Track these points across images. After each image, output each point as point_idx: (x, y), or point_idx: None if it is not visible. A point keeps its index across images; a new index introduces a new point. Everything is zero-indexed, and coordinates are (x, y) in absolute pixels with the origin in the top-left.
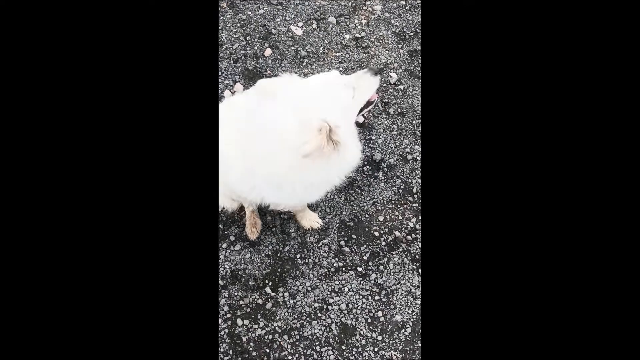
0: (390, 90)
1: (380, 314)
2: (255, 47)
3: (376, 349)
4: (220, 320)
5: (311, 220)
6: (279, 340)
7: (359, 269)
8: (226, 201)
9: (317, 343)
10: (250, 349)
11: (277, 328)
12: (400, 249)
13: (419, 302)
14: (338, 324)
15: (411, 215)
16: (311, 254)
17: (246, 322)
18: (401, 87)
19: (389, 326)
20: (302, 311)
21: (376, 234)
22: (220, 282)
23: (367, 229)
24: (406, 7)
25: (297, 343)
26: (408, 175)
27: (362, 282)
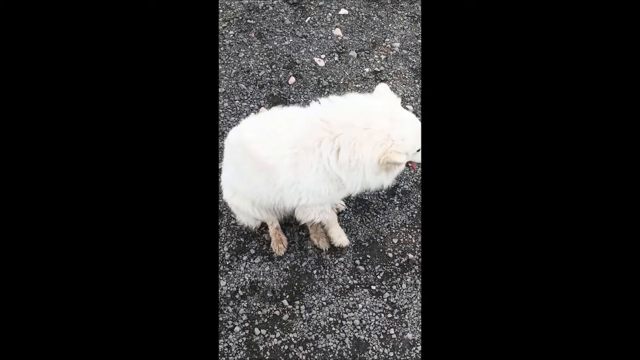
0: None
1: (392, 331)
2: (280, 75)
3: None
4: (238, 329)
5: (341, 236)
6: (294, 350)
7: (373, 287)
8: (250, 221)
9: (330, 355)
10: (267, 357)
11: (292, 339)
12: (413, 271)
13: None
14: (351, 339)
15: None
16: (327, 271)
17: (263, 331)
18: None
19: (401, 343)
20: (317, 324)
21: (390, 255)
22: (240, 292)
23: (381, 250)
24: None
25: (312, 354)
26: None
27: (375, 300)
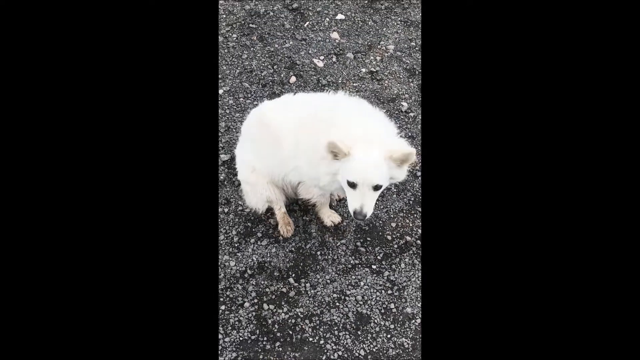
0: (402, 117)
1: (392, 306)
2: (282, 75)
3: (389, 336)
4: (248, 304)
5: (331, 216)
6: (301, 324)
7: (374, 266)
8: (259, 203)
9: (335, 328)
10: (275, 330)
11: (299, 313)
12: (411, 252)
13: None
14: (354, 313)
15: (420, 223)
16: (330, 252)
17: (271, 307)
18: (411, 114)
19: (401, 317)
20: (322, 300)
21: (389, 237)
22: (249, 272)
23: (380, 233)
24: (416, 48)
25: (318, 327)
26: (417, 189)
27: (376, 278)
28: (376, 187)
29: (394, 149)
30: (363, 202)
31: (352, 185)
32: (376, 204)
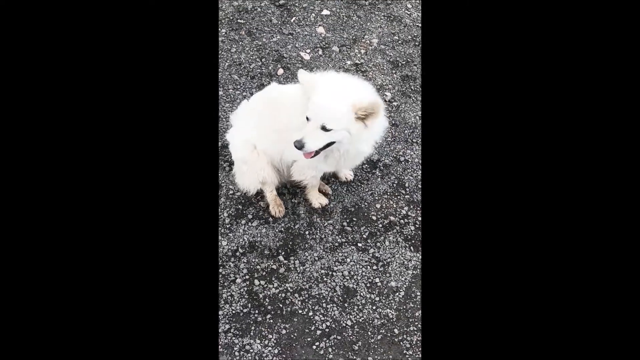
0: (386, 106)
1: (377, 280)
2: (270, 68)
3: (374, 307)
4: (240, 280)
5: (319, 198)
6: (291, 297)
7: (359, 244)
8: (252, 184)
9: (323, 301)
10: (266, 303)
11: (289, 288)
12: (395, 230)
13: (410, 272)
14: (341, 287)
15: (404, 205)
16: (318, 231)
17: (262, 282)
18: (395, 103)
19: (385, 290)
20: (311, 276)
21: (374, 217)
22: (240, 251)
23: (366, 214)
24: (399, 41)
25: (306, 300)
26: (401, 173)
27: (362, 255)
28: (324, 128)
29: (361, 98)
30: (307, 134)
31: (308, 119)
32: (361, 187)
